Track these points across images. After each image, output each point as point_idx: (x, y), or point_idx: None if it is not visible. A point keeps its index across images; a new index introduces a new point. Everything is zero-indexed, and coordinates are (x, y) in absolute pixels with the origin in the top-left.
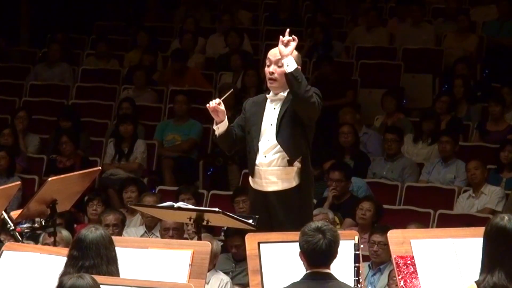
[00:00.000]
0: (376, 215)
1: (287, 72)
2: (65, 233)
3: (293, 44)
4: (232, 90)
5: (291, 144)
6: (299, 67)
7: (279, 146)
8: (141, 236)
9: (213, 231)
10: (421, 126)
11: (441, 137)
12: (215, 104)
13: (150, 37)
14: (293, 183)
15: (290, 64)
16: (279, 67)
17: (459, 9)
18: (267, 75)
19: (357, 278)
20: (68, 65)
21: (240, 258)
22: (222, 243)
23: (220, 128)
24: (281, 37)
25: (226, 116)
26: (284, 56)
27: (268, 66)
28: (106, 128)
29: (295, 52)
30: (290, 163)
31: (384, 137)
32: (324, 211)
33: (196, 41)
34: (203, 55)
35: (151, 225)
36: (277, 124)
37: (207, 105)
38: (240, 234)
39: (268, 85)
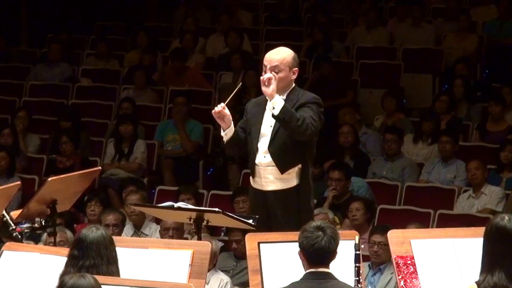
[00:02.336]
0: (367, 213)
1: (273, 115)
2: (69, 233)
3: (274, 82)
4: (239, 85)
5: (282, 157)
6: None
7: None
8: (131, 235)
9: (214, 230)
10: (421, 126)
11: (441, 137)
12: (220, 108)
13: (150, 37)
14: (293, 183)
15: (276, 106)
16: (276, 73)
17: (459, 9)
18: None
19: (357, 278)
20: (68, 65)
21: (241, 255)
22: (223, 244)
23: (228, 134)
24: (261, 78)
25: (232, 122)
26: (269, 97)
27: (265, 72)
28: (106, 128)
29: (292, 53)
30: (282, 172)
31: (384, 137)
32: (324, 211)
33: (196, 41)
34: (203, 55)
35: (138, 224)
36: (272, 133)
37: (213, 111)
38: (241, 229)
39: None
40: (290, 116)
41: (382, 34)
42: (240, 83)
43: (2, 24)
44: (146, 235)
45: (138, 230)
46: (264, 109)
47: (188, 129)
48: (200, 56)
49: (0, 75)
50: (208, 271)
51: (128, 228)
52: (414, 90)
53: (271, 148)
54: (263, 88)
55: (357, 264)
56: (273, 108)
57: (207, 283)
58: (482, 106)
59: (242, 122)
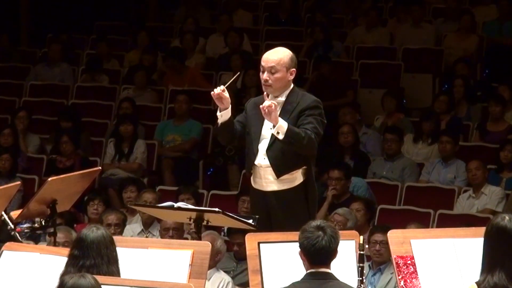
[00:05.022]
0: (368, 213)
1: (279, 139)
2: (75, 234)
3: (274, 110)
4: (239, 73)
5: (279, 162)
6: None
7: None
8: (138, 234)
9: (214, 231)
10: (421, 126)
11: (441, 137)
12: (220, 90)
13: (150, 37)
14: (294, 183)
15: (281, 131)
16: (273, 74)
17: (459, 9)
18: (262, 82)
19: (360, 278)
20: (68, 65)
21: (242, 257)
22: None
23: (223, 115)
24: (260, 107)
25: (230, 105)
26: (273, 122)
27: (262, 72)
28: (106, 128)
29: (290, 54)
30: (278, 176)
31: (384, 137)
32: (348, 216)
33: (196, 41)
34: (203, 55)
35: (148, 222)
36: (271, 137)
37: (212, 92)
38: (243, 232)
39: (264, 90)
40: (296, 138)
41: (382, 34)
42: (238, 74)
43: (2, 24)
44: (154, 236)
45: (146, 229)
46: None
47: (187, 127)
48: (200, 56)
49: (0, 75)
50: (210, 268)
51: (136, 226)
52: (414, 90)
53: (270, 152)
54: (265, 116)
55: (361, 264)
56: (278, 133)
57: (208, 280)
58: (482, 106)
59: (241, 117)
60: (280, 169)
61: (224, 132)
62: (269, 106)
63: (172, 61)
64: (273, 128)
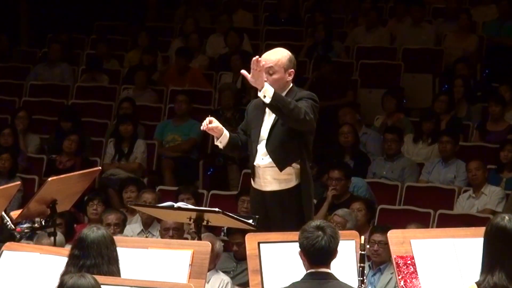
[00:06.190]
0: (368, 213)
1: (266, 103)
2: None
3: (261, 74)
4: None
5: (279, 154)
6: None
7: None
8: (138, 234)
9: (214, 231)
10: (421, 126)
11: (441, 137)
12: (206, 124)
13: (150, 37)
14: (291, 183)
15: (267, 95)
16: (271, 74)
17: (459, 9)
18: None
19: (361, 278)
20: (68, 65)
21: (241, 257)
22: (222, 244)
23: (222, 141)
24: (243, 71)
25: (224, 128)
26: (259, 87)
27: None
28: (106, 128)
29: (288, 54)
30: (281, 170)
31: (384, 137)
32: (347, 217)
33: (201, 42)
34: (204, 55)
35: (148, 222)
36: (268, 132)
37: (201, 127)
38: (242, 232)
39: None
40: (283, 103)
41: (382, 34)
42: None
43: (2, 24)
44: (154, 236)
45: (146, 229)
46: (264, 112)
47: (187, 127)
48: (204, 58)
49: (0, 75)
50: (209, 270)
51: (136, 226)
52: (414, 90)
53: (268, 147)
54: (252, 79)
55: (362, 264)
56: (264, 96)
57: (207, 282)
58: (482, 106)
59: (243, 124)
60: (281, 162)
61: (231, 151)
62: (258, 62)
63: (181, 61)
64: (260, 92)
